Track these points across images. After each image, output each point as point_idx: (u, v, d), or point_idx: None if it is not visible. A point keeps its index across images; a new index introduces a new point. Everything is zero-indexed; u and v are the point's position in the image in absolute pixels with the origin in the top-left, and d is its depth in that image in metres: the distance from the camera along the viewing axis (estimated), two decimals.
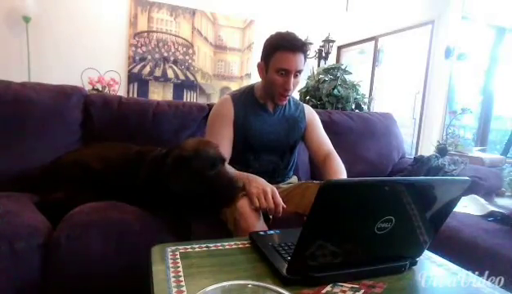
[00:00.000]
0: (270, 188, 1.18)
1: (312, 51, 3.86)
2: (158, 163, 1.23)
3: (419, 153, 3.26)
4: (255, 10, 4.34)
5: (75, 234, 1.14)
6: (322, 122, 1.63)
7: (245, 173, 1.30)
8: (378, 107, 4.02)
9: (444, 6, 3.42)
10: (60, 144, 1.57)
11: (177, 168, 1.14)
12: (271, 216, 1.22)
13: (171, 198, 1.19)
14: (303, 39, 1.46)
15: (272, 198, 1.15)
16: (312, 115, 1.59)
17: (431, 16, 3.52)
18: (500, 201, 1.84)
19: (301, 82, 1.51)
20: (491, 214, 1.49)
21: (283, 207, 1.16)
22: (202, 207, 1.21)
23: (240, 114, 1.45)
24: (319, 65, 3.83)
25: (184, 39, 4.15)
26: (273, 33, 1.40)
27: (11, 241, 1.06)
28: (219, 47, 4.33)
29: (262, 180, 1.23)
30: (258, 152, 1.47)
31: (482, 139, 3.84)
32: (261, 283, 0.60)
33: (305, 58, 1.38)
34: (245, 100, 1.48)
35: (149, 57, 4.02)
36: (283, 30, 1.40)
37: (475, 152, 3.04)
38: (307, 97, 2.94)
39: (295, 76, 1.37)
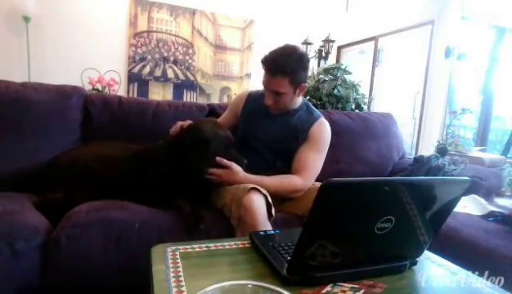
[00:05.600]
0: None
1: (312, 51, 3.85)
2: (174, 148, 1.35)
3: (419, 153, 3.26)
4: (255, 10, 4.33)
5: (75, 234, 1.14)
6: None
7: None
8: (378, 107, 4.01)
9: (444, 6, 3.41)
10: (60, 144, 1.57)
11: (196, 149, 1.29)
12: (273, 214, 1.23)
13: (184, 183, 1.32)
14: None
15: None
16: (316, 135, 1.47)
17: (431, 16, 3.52)
18: (500, 201, 1.84)
19: None
20: (491, 214, 1.49)
21: (285, 210, 1.17)
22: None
23: (248, 108, 1.56)
24: (319, 65, 3.82)
25: (184, 39, 4.15)
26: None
27: (11, 241, 1.06)
28: (219, 47, 4.32)
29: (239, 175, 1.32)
30: (252, 148, 1.48)
31: (482, 139, 3.84)
32: (261, 283, 0.60)
33: (292, 79, 1.36)
34: (258, 98, 1.52)
35: (149, 57, 4.01)
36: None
37: (475, 152, 3.03)
38: (307, 97, 2.94)
39: (277, 95, 1.39)
